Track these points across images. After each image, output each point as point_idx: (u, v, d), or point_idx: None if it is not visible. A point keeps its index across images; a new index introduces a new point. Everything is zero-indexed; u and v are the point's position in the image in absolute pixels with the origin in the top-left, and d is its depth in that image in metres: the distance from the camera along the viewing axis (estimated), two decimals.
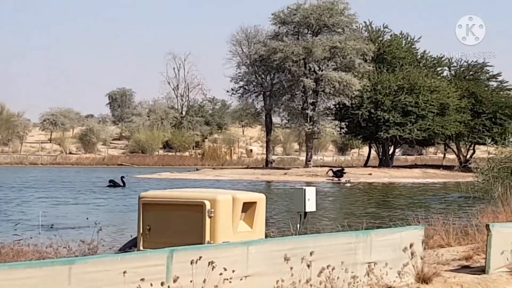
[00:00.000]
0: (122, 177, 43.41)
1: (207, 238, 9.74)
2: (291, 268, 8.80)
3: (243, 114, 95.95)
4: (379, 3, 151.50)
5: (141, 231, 10.26)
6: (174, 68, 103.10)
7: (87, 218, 19.62)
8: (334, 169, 54.60)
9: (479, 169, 31.70)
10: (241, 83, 65.09)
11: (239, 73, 65.43)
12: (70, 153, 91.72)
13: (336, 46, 60.25)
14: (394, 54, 65.47)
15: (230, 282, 8.13)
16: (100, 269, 7.22)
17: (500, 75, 67.43)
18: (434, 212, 17.84)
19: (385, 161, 65.15)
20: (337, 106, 61.89)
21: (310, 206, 13.02)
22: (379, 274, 9.96)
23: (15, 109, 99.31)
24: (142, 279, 7.40)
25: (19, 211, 27.50)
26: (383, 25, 67.20)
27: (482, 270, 11.50)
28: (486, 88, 66.32)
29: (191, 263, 7.78)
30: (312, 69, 60.32)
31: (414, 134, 61.34)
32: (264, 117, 67.54)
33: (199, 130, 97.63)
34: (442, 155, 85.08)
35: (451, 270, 11.64)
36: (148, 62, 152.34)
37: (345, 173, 53.65)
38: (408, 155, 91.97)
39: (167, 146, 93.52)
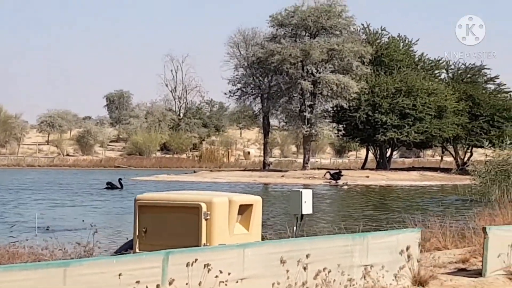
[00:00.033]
0: (120, 179, 43.37)
1: (203, 240, 9.73)
2: (287, 271, 8.78)
3: (240, 116, 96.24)
4: (379, 3, 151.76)
5: (137, 233, 10.24)
6: (172, 70, 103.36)
7: (83, 220, 19.57)
8: (332, 172, 54.51)
9: (476, 172, 31.77)
10: (239, 85, 64.99)
11: (236, 75, 65.40)
12: (68, 155, 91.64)
13: (333, 49, 60.20)
14: (391, 56, 65.46)
15: (226, 284, 8.11)
16: (96, 271, 7.21)
17: (498, 78, 67.62)
18: (431, 214, 17.81)
19: (383, 164, 65.13)
20: (335, 108, 61.83)
21: (307, 208, 13.04)
22: (376, 277, 9.95)
23: (15, 109, 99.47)
24: (138, 282, 7.39)
25: (15, 213, 27.41)
26: (381, 27, 67.33)
27: (479, 273, 11.49)
28: (483, 91, 66.32)
29: (186, 266, 7.77)
30: (310, 72, 60.27)
31: (412, 136, 61.31)
32: (261, 119, 67.45)
33: (197, 132, 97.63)
34: (440, 158, 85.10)
35: (447, 273, 11.63)
36: (146, 64, 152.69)
37: (342, 175, 53.60)
38: (405, 157, 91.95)
39: (164, 148, 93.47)
